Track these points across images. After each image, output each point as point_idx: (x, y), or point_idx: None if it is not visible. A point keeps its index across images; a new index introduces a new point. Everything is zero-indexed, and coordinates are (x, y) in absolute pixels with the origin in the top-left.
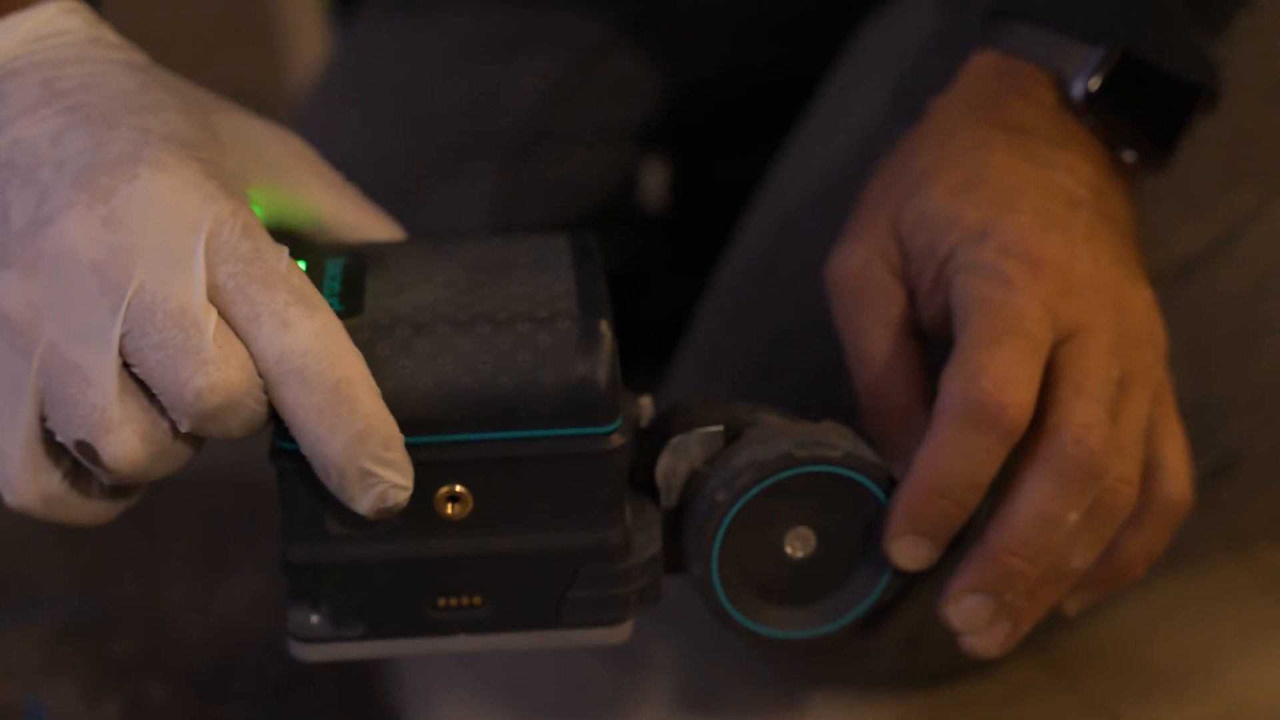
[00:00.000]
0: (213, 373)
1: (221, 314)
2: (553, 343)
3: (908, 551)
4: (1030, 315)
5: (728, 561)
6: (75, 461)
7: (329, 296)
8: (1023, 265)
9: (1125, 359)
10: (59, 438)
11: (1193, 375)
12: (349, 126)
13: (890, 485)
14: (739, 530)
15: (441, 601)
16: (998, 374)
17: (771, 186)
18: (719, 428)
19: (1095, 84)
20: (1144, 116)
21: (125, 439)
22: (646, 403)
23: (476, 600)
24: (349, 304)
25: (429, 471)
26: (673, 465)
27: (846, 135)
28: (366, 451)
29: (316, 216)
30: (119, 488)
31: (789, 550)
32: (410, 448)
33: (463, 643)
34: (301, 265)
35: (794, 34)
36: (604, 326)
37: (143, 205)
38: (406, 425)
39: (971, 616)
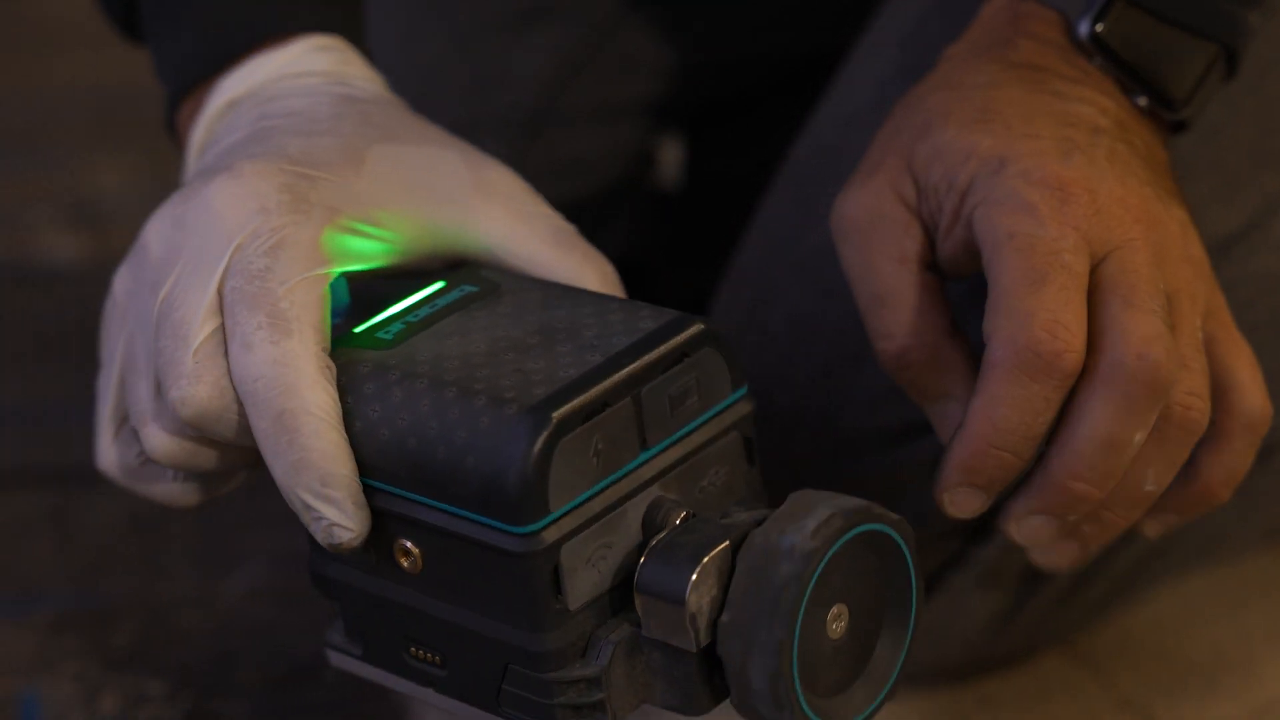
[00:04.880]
0: (185, 387)
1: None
2: (490, 426)
3: (960, 502)
4: (1065, 247)
5: (803, 664)
6: None
7: (400, 324)
8: (1047, 191)
9: (1167, 275)
10: (132, 422)
11: None
12: None
13: (902, 528)
14: (803, 622)
15: (413, 650)
16: (1047, 319)
17: (789, 167)
18: (725, 544)
19: (1100, 28)
20: (1152, 65)
21: (155, 433)
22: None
23: (437, 660)
24: (401, 336)
25: (389, 520)
26: (699, 602)
27: (866, 113)
28: (301, 483)
29: (488, 245)
30: (196, 476)
31: (831, 632)
32: (371, 491)
33: (432, 697)
34: (432, 288)
35: (811, 15)
36: (554, 420)
37: (201, 210)
38: (369, 469)
39: (1035, 535)
